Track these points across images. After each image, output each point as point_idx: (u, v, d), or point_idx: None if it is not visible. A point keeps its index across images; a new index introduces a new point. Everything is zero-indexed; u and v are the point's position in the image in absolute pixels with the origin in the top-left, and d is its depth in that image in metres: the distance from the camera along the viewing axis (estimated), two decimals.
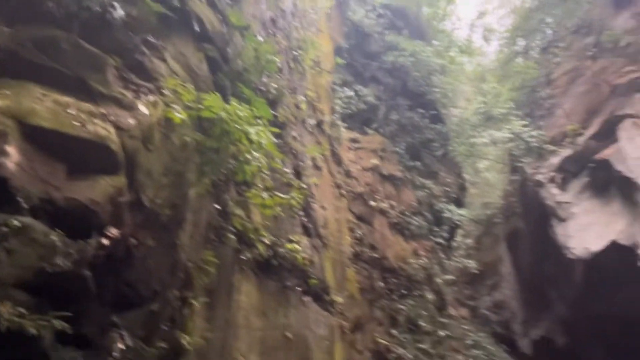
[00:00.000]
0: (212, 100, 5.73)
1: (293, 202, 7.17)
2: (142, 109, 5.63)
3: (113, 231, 4.69)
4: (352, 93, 18.97)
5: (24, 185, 4.24)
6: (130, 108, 5.54)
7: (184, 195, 6.31)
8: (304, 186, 9.56)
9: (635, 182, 14.81)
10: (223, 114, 5.68)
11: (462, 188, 22.82)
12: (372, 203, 16.09)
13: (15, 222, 4.06)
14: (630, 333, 16.12)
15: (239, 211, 8.37)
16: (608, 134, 16.80)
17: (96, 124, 4.97)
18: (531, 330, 21.72)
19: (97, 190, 4.80)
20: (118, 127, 5.23)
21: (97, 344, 4.66)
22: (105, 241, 4.55)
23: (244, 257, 8.73)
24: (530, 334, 21.75)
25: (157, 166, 5.92)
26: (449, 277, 20.22)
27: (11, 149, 4.34)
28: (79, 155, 4.75)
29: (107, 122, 5.12)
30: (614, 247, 15.35)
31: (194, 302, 6.49)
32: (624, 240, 15.18)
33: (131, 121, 5.45)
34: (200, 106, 5.82)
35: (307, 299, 10.29)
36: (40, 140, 4.57)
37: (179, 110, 5.55)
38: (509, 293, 24.05)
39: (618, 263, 15.17)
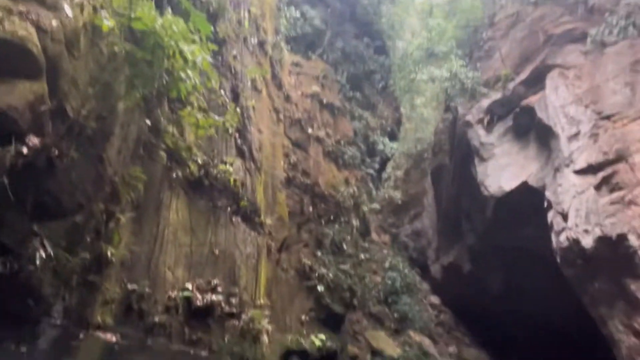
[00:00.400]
0: (145, 10, 5.37)
1: (228, 124, 7.09)
2: (67, 10, 5.20)
3: (33, 140, 4.51)
4: (298, 14, 18.32)
5: None
6: (53, 8, 5.10)
7: (111, 108, 6.08)
8: (240, 110, 9.43)
9: (552, 130, 16.00)
10: (157, 26, 5.38)
11: (398, 122, 23.49)
12: (309, 130, 16.25)
13: None
14: (525, 262, 18.22)
15: (171, 128, 8.20)
16: (537, 82, 17.72)
17: (14, 23, 4.56)
18: (443, 257, 23.81)
19: (15, 95, 4.52)
20: (39, 28, 4.83)
21: (17, 253, 4.64)
22: (24, 150, 4.38)
23: (174, 175, 8.70)
24: (441, 260, 23.86)
25: (82, 75, 5.59)
26: (375, 206, 21.32)
27: None
28: None
29: (27, 22, 4.71)
30: (524, 188, 16.83)
31: (120, 216, 6.50)
32: (534, 182, 16.65)
33: (54, 23, 5.04)
34: (132, 14, 5.46)
35: (236, 219, 10.55)
36: None
37: (107, 16, 5.17)
38: (427, 223, 25.89)
39: (526, 203, 16.75)
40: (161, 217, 8.42)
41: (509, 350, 21.00)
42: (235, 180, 10.22)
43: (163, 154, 7.67)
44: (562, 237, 14.90)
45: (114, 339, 6.61)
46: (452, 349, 22.45)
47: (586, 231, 13.88)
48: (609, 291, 13.26)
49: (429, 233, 25.68)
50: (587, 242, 13.67)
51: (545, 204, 15.60)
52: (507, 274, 19.97)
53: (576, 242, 14.11)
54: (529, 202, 16.54)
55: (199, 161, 9.29)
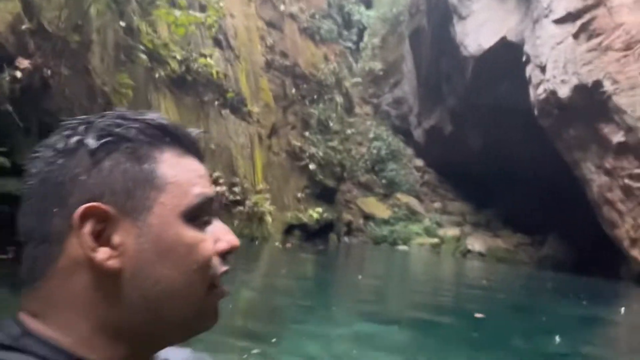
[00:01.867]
0: None
1: (209, 20, 6.78)
2: None
3: (23, 62, 4.44)
4: None
5: None
6: None
7: (85, 14, 5.80)
8: (222, 4, 8.85)
9: None
10: None
11: None
12: (282, 7, 15.45)
13: None
14: (504, 119, 18.94)
15: (144, 27, 7.85)
16: None
17: None
18: (424, 122, 24.44)
19: None
20: None
21: None
22: (18, 74, 4.34)
23: (157, 75, 8.57)
24: (423, 124, 24.52)
25: None
26: (356, 79, 21.22)
27: None
28: None
29: None
30: (503, 44, 16.79)
31: None
32: (512, 37, 16.57)
33: None
34: None
35: (225, 111, 10.63)
36: None
37: None
38: (408, 90, 26.01)
39: (505, 59, 16.84)
40: None
41: (490, 201, 22.79)
42: (217, 73, 10.08)
43: (143, 55, 7.48)
44: (540, 90, 15.35)
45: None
46: (437, 204, 24.26)
47: (563, 81, 14.29)
48: (583, 136, 14.14)
49: (410, 99, 25.94)
50: (564, 92, 14.17)
51: (524, 58, 15.75)
52: (486, 131, 20.83)
53: (553, 93, 14.59)
54: (508, 58, 16.64)
55: (178, 57, 9.07)
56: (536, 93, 15.60)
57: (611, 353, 5.73)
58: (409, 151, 26.29)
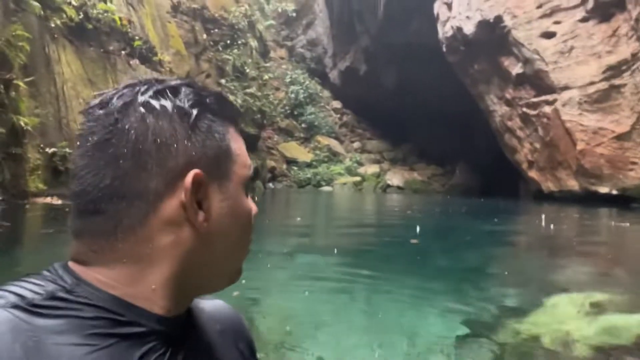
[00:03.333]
0: None
1: None
2: None
3: None
4: None
5: None
6: None
7: None
8: None
9: None
10: None
11: None
12: None
13: None
14: (415, 57, 19.59)
15: None
16: None
17: None
18: (339, 63, 24.55)
19: None
20: None
21: None
22: None
23: (52, 25, 7.73)
24: (338, 66, 24.65)
25: None
26: (269, 22, 20.55)
27: None
28: None
29: None
30: None
31: (18, 82, 5.96)
32: None
33: None
34: None
35: (133, 61, 9.92)
36: None
37: None
38: (321, 30, 25.75)
39: None
40: (55, 74, 7.78)
41: (405, 137, 23.85)
42: (120, 19, 9.30)
43: (35, 2, 6.70)
44: (447, 27, 15.97)
45: (56, 200, 6.72)
46: (356, 144, 25.02)
47: (468, 17, 14.97)
48: (486, 70, 15.11)
49: (324, 41, 25.78)
50: (469, 28, 14.88)
51: None
52: (399, 70, 21.43)
53: (459, 29, 15.28)
54: None
55: (74, 3, 8.23)
56: (444, 30, 16.22)
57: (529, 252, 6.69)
58: (326, 94, 26.44)
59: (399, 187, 22.33)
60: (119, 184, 0.51)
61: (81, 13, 8.49)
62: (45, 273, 0.51)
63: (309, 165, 22.70)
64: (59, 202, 6.49)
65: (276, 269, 4.88)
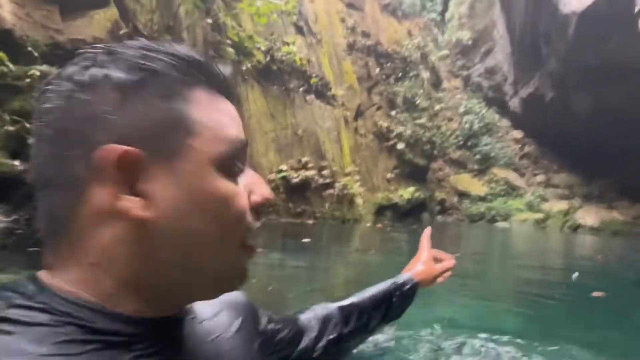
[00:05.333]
0: None
1: (289, 6, 6.88)
2: None
3: None
4: None
5: (27, 34, 4.26)
6: None
7: (175, 15, 6.20)
8: None
9: None
10: None
11: None
12: None
13: (36, 72, 4.24)
14: (612, 81, 17.01)
15: (230, 21, 8.20)
16: None
17: None
18: (521, 90, 22.79)
19: (95, 26, 4.78)
20: None
21: None
22: None
23: (244, 68, 8.92)
24: (520, 93, 22.89)
25: None
26: (443, 52, 20.34)
27: None
28: None
29: None
30: None
31: None
32: None
33: None
34: None
35: (310, 97, 10.79)
36: None
37: None
38: (501, 57, 24.39)
39: (612, 12, 15.08)
40: (243, 110, 8.89)
41: (602, 170, 20.77)
42: (300, 59, 10.24)
43: (230, 49, 7.82)
44: None
45: None
46: (540, 177, 22.62)
47: None
48: None
49: (504, 68, 24.33)
50: None
51: (636, 9, 14.00)
52: (595, 94, 18.89)
53: None
54: (616, 10, 14.87)
55: (263, 48, 9.35)
56: None
57: None
58: (505, 123, 24.75)
59: (593, 228, 19.35)
60: (47, 173, 0.45)
61: (268, 56, 9.60)
62: (9, 285, 0.46)
63: (482, 199, 21.31)
64: None
65: (429, 309, 4.54)
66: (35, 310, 0.43)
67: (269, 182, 9.31)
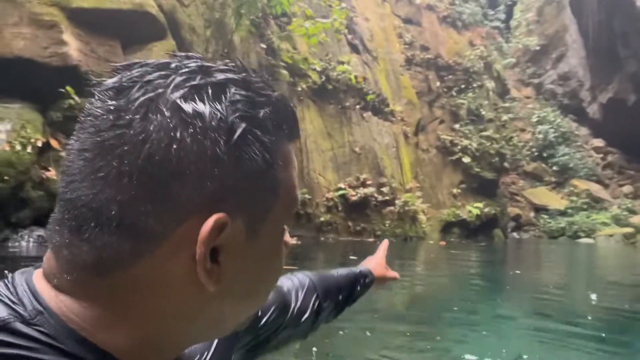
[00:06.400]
0: None
1: (336, 24, 6.95)
2: None
3: None
4: None
5: (92, 69, 4.65)
6: None
7: (229, 43, 6.49)
8: (344, 5, 9.17)
9: None
10: None
11: None
12: (417, 0, 15.10)
13: None
14: None
15: (284, 45, 8.44)
16: None
17: None
18: (600, 95, 21.30)
19: (154, 57, 5.11)
20: None
21: None
22: None
23: (299, 89, 9.11)
24: (599, 98, 21.39)
25: (197, 20, 6.02)
26: (508, 60, 19.56)
27: (68, 37, 4.64)
28: (125, 27, 4.98)
29: None
30: None
31: None
32: None
33: None
34: None
35: (367, 114, 10.77)
36: (87, 21, 4.81)
37: None
38: (575, 62, 23.03)
39: None
40: (301, 130, 9.04)
41: None
42: (356, 77, 10.29)
43: (284, 71, 8.03)
44: None
45: (294, 240, 7.68)
46: (626, 188, 20.80)
47: None
48: None
49: (579, 72, 22.91)
50: None
51: None
52: None
53: None
54: None
55: (317, 68, 9.50)
56: None
57: None
58: (584, 131, 23.15)
59: None
60: (114, 211, 0.37)
61: (323, 76, 9.74)
62: (0, 286, 0.40)
63: (562, 213, 19.95)
64: (298, 242, 7.37)
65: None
66: (30, 339, 0.37)
67: (327, 201, 9.33)
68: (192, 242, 0.37)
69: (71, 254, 0.39)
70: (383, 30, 13.11)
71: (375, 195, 9.91)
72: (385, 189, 10.14)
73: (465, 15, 16.49)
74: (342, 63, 10.04)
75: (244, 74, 0.41)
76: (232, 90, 0.39)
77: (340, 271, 1.01)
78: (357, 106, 10.44)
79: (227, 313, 0.43)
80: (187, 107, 0.37)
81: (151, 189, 0.37)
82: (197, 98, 0.38)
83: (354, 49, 10.93)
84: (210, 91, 0.38)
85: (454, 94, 14.94)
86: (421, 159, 13.22)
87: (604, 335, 4.01)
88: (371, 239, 9.86)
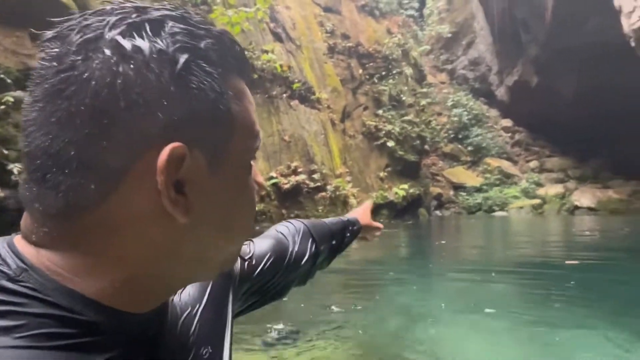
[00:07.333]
0: None
1: (260, 13, 6.92)
2: None
3: None
4: None
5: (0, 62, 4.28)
6: None
7: None
8: None
9: None
10: None
11: None
12: None
13: (10, 98, 4.27)
14: (594, 59, 17.14)
15: None
16: None
17: None
18: (507, 78, 22.92)
19: None
20: None
21: None
22: None
23: None
24: (506, 81, 23.02)
25: None
26: (424, 47, 20.46)
27: None
28: (34, 17, 4.63)
29: None
30: None
31: None
32: None
33: None
34: None
35: (294, 102, 10.84)
36: None
37: None
38: (483, 48, 24.54)
39: None
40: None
41: (594, 150, 20.88)
42: (281, 66, 10.29)
43: None
44: (634, 17, 13.65)
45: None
46: (533, 164, 22.68)
47: None
48: None
49: (487, 58, 24.49)
50: None
51: None
52: (579, 76, 19.03)
53: None
54: None
55: None
56: (629, 22, 13.90)
57: None
58: (493, 112, 24.82)
59: (590, 209, 19.38)
60: (73, 152, 0.38)
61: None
62: None
63: (478, 190, 21.35)
64: None
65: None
66: (19, 294, 0.38)
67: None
68: (154, 174, 0.38)
69: (42, 204, 0.40)
70: (304, 19, 13.19)
71: (307, 182, 10.06)
72: (316, 176, 10.32)
73: (382, 4, 17.01)
74: (266, 52, 10.00)
75: (181, 11, 0.43)
76: (170, 24, 0.40)
77: (330, 219, 1.04)
78: (284, 95, 10.47)
79: (206, 249, 0.44)
80: (126, 43, 0.38)
81: (103, 125, 0.38)
82: (135, 34, 0.39)
83: (277, 37, 10.92)
84: (148, 27, 0.40)
85: (376, 80, 15.42)
86: (349, 145, 13.56)
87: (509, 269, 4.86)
88: None
